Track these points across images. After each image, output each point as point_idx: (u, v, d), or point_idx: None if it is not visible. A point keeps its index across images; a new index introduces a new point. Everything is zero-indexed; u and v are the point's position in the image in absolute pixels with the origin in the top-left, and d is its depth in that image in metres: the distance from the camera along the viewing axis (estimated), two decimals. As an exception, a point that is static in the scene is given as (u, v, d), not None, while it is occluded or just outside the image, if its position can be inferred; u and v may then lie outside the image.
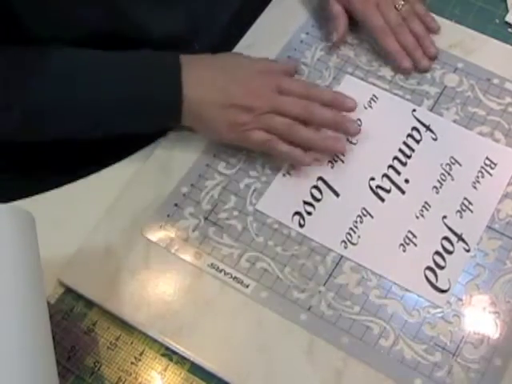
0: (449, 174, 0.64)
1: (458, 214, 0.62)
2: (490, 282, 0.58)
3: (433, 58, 0.71)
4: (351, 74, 0.71)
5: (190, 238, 0.62)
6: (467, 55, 0.71)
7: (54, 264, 0.59)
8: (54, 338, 0.50)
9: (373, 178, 0.64)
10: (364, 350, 0.56)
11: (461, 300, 0.58)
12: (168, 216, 0.63)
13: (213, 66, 0.65)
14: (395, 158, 0.65)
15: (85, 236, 0.62)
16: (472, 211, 0.62)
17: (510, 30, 0.74)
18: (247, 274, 0.60)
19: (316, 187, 0.64)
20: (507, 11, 0.75)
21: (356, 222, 0.62)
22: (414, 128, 0.67)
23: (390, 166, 0.65)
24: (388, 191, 0.63)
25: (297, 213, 0.63)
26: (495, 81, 0.70)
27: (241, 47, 0.73)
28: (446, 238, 0.61)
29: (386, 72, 0.71)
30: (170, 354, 0.57)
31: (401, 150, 0.66)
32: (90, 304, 0.59)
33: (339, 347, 0.56)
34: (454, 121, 0.67)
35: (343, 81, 0.70)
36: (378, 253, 0.60)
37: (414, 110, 0.68)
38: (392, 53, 0.70)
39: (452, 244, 0.60)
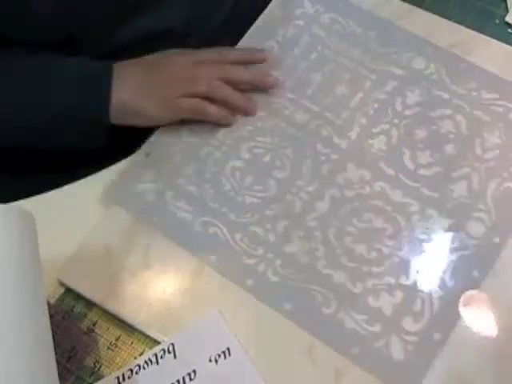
0: None
1: None
2: (435, 259, 0.60)
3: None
4: (320, 52, 0.71)
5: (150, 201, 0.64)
6: (467, 55, 0.71)
7: (54, 264, 0.59)
8: (53, 338, 0.50)
9: None
10: (305, 317, 0.57)
11: (404, 275, 0.59)
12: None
13: (143, 68, 0.66)
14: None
15: (85, 236, 0.62)
16: None
17: (509, 30, 0.74)
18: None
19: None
20: (507, 11, 0.75)
21: None
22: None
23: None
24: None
25: None
26: (462, 66, 0.70)
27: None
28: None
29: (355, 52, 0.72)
30: (170, 354, 0.57)
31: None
32: (90, 304, 0.59)
33: (283, 313, 0.57)
34: (418, 103, 0.68)
35: None
36: None
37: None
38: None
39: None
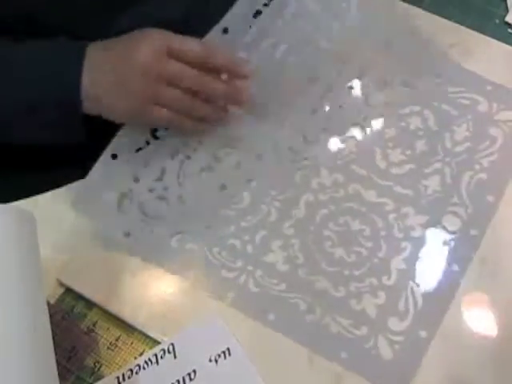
0: None
1: None
2: (415, 257, 0.60)
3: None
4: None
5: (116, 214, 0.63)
6: (467, 55, 0.71)
7: (54, 264, 0.59)
8: (53, 338, 0.50)
9: None
10: (290, 325, 0.57)
11: (386, 275, 0.59)
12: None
13: (113, 51, 0.62)
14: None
15: (85, 236, 0.62)
16: None
17: (509, 30, 0.74)
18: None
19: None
20: (507, 11, 0.75)
21: None
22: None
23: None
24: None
25: None
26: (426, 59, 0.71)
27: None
28: None
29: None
30: (170, 354, 0.57)
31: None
32: (90, 304, 0.59)
33: (265, 324, 0.57)
34: (386, 103, 0.68)
35: None
36: None
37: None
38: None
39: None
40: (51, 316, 0.52)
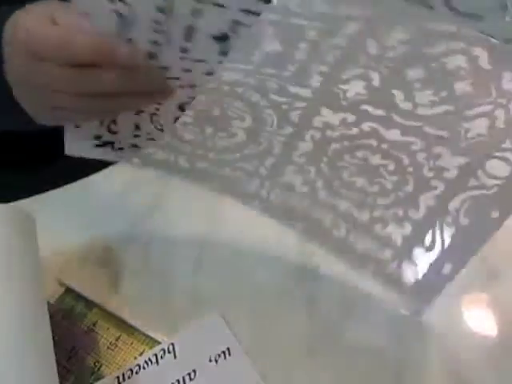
0: None
1: None
2: (448, 197, 0.55)
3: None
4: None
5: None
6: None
7: (54, 264, 0.59)
8: (53, 338, 0.50)
9: None
10: (317, 236, 0.57)
11: (413, 208, 0.56)
12: None
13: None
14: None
15: (85, 236, 0.62)
16: None
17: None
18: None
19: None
20: (507, 11, 0.75)
21: None
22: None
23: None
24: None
25: None
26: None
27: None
28: None
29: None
30: (170, 354, 0.57)
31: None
32: (90, 304, 0.59)
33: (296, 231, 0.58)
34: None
35: None
36: None
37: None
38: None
39: None
40: (51, 316, 0.52)
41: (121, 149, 0.59)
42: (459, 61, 0.55)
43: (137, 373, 0.55)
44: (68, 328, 0.58)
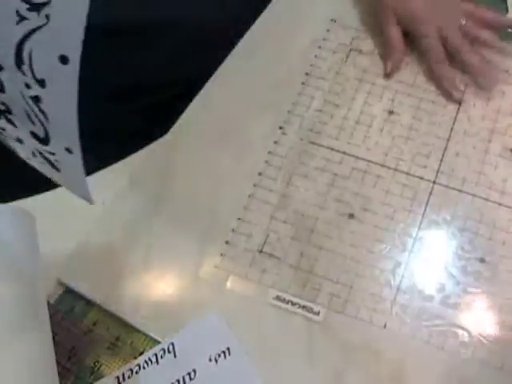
0: None
1: None
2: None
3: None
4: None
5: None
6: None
7: (54, 264, 0.59)
8: (53, 338, 0.50)
9: None
10: None
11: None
12: (221, 255, 0.61)
13: None
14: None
15: (85, 236, 0.62)
16: None
17: (510, 30, 0.74)
18: (315, 300, 0.58)
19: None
20: (507, 11, 0.75)
21: None
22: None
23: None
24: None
25: None
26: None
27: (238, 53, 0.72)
28: None
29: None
30: (170, 353, 0.57)
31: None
32: (90, 304, 0.59)
33: None
34: None
35: None
36: None
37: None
38: (444, 81, 0.69)
39: None
40: (51, 316, 0.52)
41: None
42: None
43: (137, 372, 0.55)
44: (68, 328, 0.58)
